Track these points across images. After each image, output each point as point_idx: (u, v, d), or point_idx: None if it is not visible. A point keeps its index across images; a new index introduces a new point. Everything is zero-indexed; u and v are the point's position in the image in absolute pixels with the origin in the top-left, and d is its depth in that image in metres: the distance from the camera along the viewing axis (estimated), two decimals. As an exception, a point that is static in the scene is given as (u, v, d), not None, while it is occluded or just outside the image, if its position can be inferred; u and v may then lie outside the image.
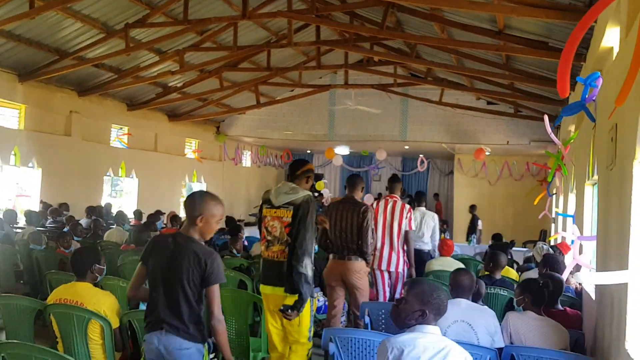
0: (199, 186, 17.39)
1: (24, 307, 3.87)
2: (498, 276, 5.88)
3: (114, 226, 9.12)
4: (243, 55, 12.42)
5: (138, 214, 11.37)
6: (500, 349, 3.74)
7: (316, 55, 12.83)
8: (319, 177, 20.96)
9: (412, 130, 16.19)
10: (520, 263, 9.03)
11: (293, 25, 11.05)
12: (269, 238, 4.13)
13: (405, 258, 6.55)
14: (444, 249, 7.18)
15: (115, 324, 3.72)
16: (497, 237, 10.09)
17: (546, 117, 8.24)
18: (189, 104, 15.35)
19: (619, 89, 2.91)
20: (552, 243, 9.89)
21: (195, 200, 3.03)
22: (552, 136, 8.03)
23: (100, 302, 3.72)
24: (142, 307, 3.76)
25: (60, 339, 3.74)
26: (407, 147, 17.64)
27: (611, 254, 3.80)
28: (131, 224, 11.33)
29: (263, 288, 4.18)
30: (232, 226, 7.87)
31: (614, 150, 3.79)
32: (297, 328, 4.06)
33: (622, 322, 3.24)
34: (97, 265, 3.86)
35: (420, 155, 17.67)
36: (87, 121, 12.50)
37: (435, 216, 8.42)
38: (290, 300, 3.94)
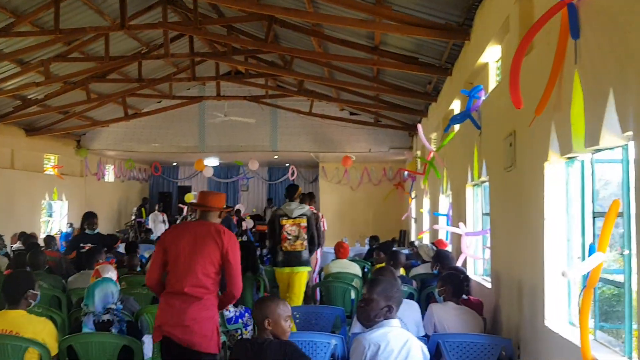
0: (59, 204, 16.34)
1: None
2: (398, 273, 6.44)
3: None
4: (111, 66, 12.00)
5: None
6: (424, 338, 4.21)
7: (190, 67, 12.79)
8: (187, 190, 20.66)
9: (282, 140, 16.66)
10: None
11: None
12: (289, 237, 6.59)
13: None
14: (340, 251, 7.62)
15: (54, 350, 3.60)
16: (375, 238, 10.83)
17: (420, 126, 9.13)
18: (49, 118, 14.43)
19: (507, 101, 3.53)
20: (423, 241, 10.79)
21: None
22: (425, 142, 8.92)
23: (38, 329, 3.58)
24: (85, 329, 3.68)
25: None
26: (276, 156, 18.08)
27: (518, 243, 4.45)
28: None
29: (283, 269, 6.62)
30: (128, 243, 7.66)
31: (514, 154, 4.43)
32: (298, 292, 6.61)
33: (538, 304, 3.86)
34: (31, 291, 3.70)
35: (292, 165, 18.19)
36: None
37: None
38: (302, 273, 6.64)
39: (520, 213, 4.43)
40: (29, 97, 12.75)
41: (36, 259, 6.17)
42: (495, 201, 5.41)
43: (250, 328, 6.44)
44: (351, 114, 15.84)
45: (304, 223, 6.62)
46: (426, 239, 11.29)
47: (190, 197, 17.99)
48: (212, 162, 17.97)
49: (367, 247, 12.01)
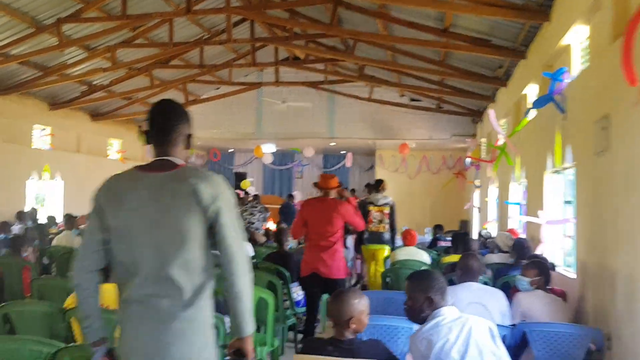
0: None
1: (40, 312, 3.63)
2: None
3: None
4: (174, 52, 12.12)
5: (68, 218, 10.76)
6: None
7: (251, 52, 12.78)
8: (243, 177, 20.82)
9: (339, 127, 16.53)
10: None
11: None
12: (374, 221, 8.00)
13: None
14: (408, 238, 7.44)
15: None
16: (439, 227, 10.59)
17: (492, 112, 8.80)
18: (113, 103, 14.73)
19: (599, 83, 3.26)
20: (486, 231, 10.48)
21: None
22: (497, 128, 8.59)
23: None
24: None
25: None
26: (333, 143, 17.96)
27: (611, 231, 4.19)
28: (60, 229, 10.76)
29: (368, 247, 8.03)
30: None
31: (607, 138, 4.16)
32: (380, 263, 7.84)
33: (636, 294, 3.62)
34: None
35: (349, 153, 18.02)
36: (7, 122, 11.67)
37: None
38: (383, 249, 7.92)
39: (614, 199, 4.16)
40: (95, 82, 13.03)
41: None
42: (583, 187, 5.12)
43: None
44: (412, 100, 15.55)
45: (386, 210, 8.11)
46: (491, 229, 10.97)
47: (247, 184, 18.13)
48: (268, 148, 18.02)
49: (427, 237, 11.79)
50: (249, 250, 6.93)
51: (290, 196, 16.46)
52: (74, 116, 13.98)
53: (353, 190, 14.84)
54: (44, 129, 13.20)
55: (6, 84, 11.38)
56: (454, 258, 6.80)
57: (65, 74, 11.59)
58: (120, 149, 16.20)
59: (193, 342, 2.21)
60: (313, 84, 14.59)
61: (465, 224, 16.32)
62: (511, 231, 7.95)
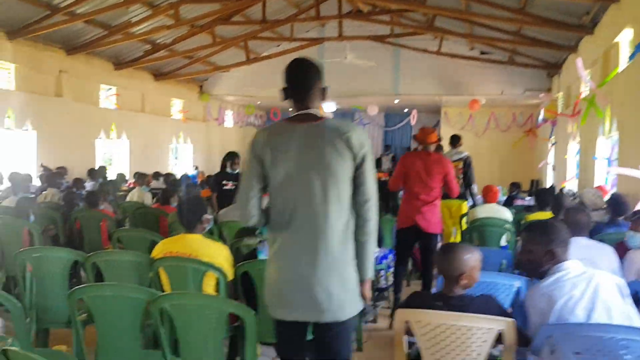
0: (185, 147, 16.83)
1: (128, 262, 3.51)
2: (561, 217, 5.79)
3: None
4: (236, 8, 11.85)
5: (139, 176, 10.87)
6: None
7: (314, 5, 12.36)
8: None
9: (404, 83, 15.96)
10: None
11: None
12: None
13: None
14: (489, 195, 7.03)
15: (230, 275, 3.41)
16: (515, 185, 10.08)
17: (579, 60, 8.15)
18: (175, 63, 14.67)
19: None
20: (568, 189, 9.92)
21: None
22: (586, 78, 7.96)
23: (215, 253, 3.40)
24: (261, 256, 3.45)
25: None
26: (397, 101, 17.43)
27: None
28: (129, 186, 10.87)
29: (446, 201, 6.96)
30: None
31: None
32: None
33: None
34: (205, 216, 3.53)
35: (414, 110, 17.43)
36: (76, 81, 11.78)
37: None
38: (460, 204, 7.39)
39: None
40: (158, 41, 12.95)
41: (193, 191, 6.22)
42: None
43: (392, 270, 6.14)
44: (482, 53, 14.78)
45: (460, 166, 7.81)
46: (570, 188, 10.39)
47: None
48: (329, 107, 17.65)
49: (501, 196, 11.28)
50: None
51: None
52: (137, 76, 14.02)
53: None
54: (110, 89, 13.29)
55: (73, 43, 11.42)
56: (541, 215, 6.37)
57: (129, 33, 11.53)
58: (182, 109, 16.22)
59: (344, 276, 2.44)
60: (378, 38, 14.04)
61: (536, 184, 15.62)
62: (600, 188, 7.42)
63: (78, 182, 8.80)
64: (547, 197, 6.76)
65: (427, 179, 5.24)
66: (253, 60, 14.98)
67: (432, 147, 5.43)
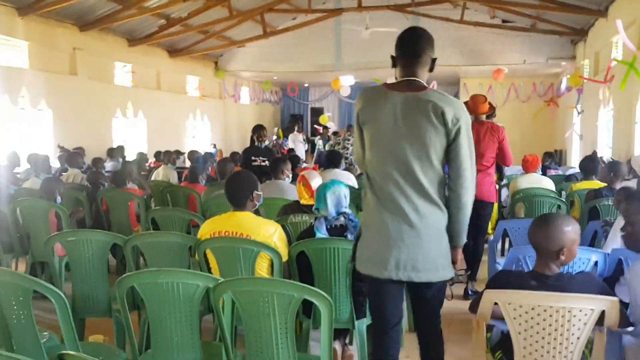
0: (202, 125, 16.55)
1: (174, 243, 3.24)
2: (618, 186, 5.47)
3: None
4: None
5: (165, 153, 10.62)
6: None
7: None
8: (319, 112, 20.29)
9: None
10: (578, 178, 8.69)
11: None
12: None
13: None
14: (529, 164, 6.69)
15: (285, 256, 3.15)
16: (549, 154, 9.72)
17: (619, 22, 7.73)
18: (189, 38, 14.30)
19: None
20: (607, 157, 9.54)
21: None
22: (627, 41, 7.55)
23: (269, 232, 3.13)
24: (319, 234, 3.18)
25: (218, 275, 3.17)
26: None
27: None
28: (150, 165, 10.62)
29: None
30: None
31: None
32: None
33: None
34: (256, 192, 3.25)
35: (434, 81, 16.96)
36: (91, 59, 11.47)
37: None
38: None
39: None
40: (172, 15, 12.59)
41: (225, 167, 5.96)
42: None
43: None
44: (503, 21, 14.28)
45: None
46: (602, 155, 10.01)
47: (326, 119, 17.58)
48: (347, 81, 17.24)
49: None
50: (353, 181, 6.41)
51: None
52: (152, 53, 13.69)
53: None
54: (125, 66, 12.98)
55: (86, 19, 11.08)
56: (587, 185, 6.05)
57: (143, 7, 11.17)
58: (198, 86, 15.90)
59: (438, 241, 2.51)
60: (398, 7, 13.56)
61: (559, 154, 15.22)
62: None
63: (98, 161, 8.57)
64: (593, 165, 6.43)
65: (480, 149, 4.92)
66: (270, 34, 14.57)
67: (483, 117, 5.14)
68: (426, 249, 2.46)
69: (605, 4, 10.44)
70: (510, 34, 14.21)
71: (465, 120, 2.47)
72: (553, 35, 13.83)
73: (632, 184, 6.13)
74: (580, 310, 2.28)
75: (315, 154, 14.60)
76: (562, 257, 2.37)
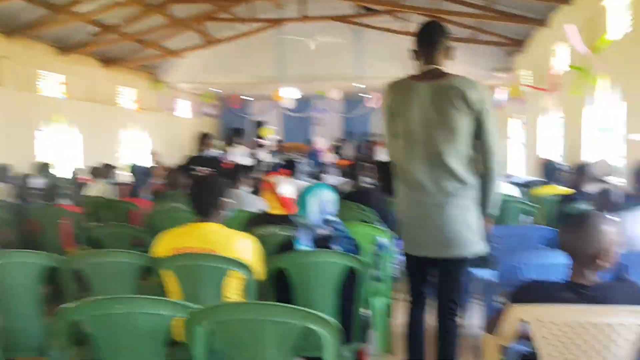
0: (139, 139, 15.74)
1: (125, 265, 2.72)
2: (588, 189, 5.31)
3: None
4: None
5: (94, 169, 9.84)
6: None
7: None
8: (263, 125, 19.84)
9: (367, 66, 15.33)
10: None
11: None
12: None
13: None
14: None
15: (261, 274, 2.69)
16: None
17: (573, 27, 7.74)
18: (125, 47, 13.55)
19: None
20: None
21: None
22: (580, 45, 7.55)
23: (242, 246, 2.66)
24: (300, 247, 2.73)
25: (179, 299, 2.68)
26: (363, 86, 16.80)
27: None
28: (81, 180, 9.84)
29: None
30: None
31: None
32: None
33: None
34: (225, 199, 2.78)
35: (377, 93, 16.79)
36: (18, 68, 10.58)
37: None
38: None
39: None
40: (107, 22, 11.85)
41: (176, 178, 5.43)
42: None
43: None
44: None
45: None
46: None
47: (269, 131, 17.11)
48: (290, 93, 16.85)
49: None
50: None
51: (308, 141, 15.98)
52: (85, 62, 12.86)
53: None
54: (54, 77, 12.10)
55: (12, 25, 10.21)
56: (549, 189, 5.92)
57: (74, 13, 10.43)
58: (137, 98, 15.12)
59: (467, 219, 2.70)
60: (341, 18, 13.34)
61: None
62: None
63: (26, 177, 7.81)
64: (553, 171, 6.35)
65: None
66: (210, 44, 14.04)
67: None
68: (454, 227, 2.66)
69: (546, 13, 10.57)
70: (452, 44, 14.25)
71: (489, 100, 2.69)
72: (492, 47, 14.02)
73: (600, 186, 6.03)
74: (625, 327, 1.95)
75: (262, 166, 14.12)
76: (600, 262, 2.03)
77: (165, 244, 2.70)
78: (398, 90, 2.76)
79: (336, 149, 18.77)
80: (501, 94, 15.44)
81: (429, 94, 2.66)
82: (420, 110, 2.66)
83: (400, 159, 2.77)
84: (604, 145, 7.89)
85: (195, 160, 6.40)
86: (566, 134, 9.65)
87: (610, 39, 7.31)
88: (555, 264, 3.05)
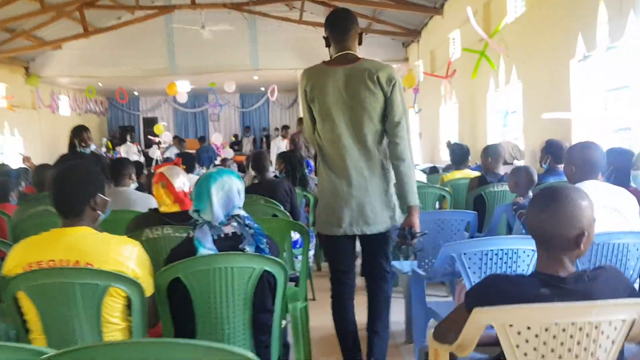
0: (12, 140, 14.20)
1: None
2: (501, 170, 5.19)
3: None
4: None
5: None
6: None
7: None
8: (153, 121, 18.75)
9: (263, 57, 14.80)
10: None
11: None
12: None
13: None
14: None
15: (149, 288, 2.12)
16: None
17: (469, 9, 7.67)
18: (-7, 37, 12.11)
19: None
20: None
21: None
22: (478, 29, 7.51)
23: (123, 255, 2.07)
24: (203, 250, 2.15)
25: (39, 330, 2.05)
26: (256, 77, 16.24)
27: None
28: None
29: None
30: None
31: None
32: None
33: None
34: (100, 196, 2.15)
35: (273, 85, 16.28)
36: None
37: None
38: None
39: None
40: (-34, 8, 10.48)
41: (44, 175, 4.62)
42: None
43: (313, 253, 5.27)
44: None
45: None
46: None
47: (161, 129, 16.10)
48: (183, 87, 15.93)
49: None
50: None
51: (202, 138, 15.35)
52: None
53: (286, 127, 13.30)
54: None
55: None
56: (461, 174, 5.76)
57: None
58: (6, 94, 13.59)
59: (385, 196, 2.84)
60: (234, 6, 12.70)
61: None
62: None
63: None
64: (464, 155, 6.19)
65: None
66: (91, 33, 12.84)
67: None
68: (374, 205, 2.77)
69: (440, 2, 10.59)
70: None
71: (398, 80, 2.77)
72: (387, 38, 14.01)
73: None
74: (610, 324, 1.59)
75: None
76: (582, 247, 1.65)
77: (18, 258, 2.05)
78: (313, 75, 2.81)
79: (233, 145, 18.14)
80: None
81: (343, 77, 2.75)
82: (335, 94, 2.75)
83: (322, 141, 2.84)
84: (509, 128, 7.93)
85: (71, 159, 5.56)
86: (467, 119, 9.67)
87: (505, 21, 7.32)
88: (502, 251, 2.74)
